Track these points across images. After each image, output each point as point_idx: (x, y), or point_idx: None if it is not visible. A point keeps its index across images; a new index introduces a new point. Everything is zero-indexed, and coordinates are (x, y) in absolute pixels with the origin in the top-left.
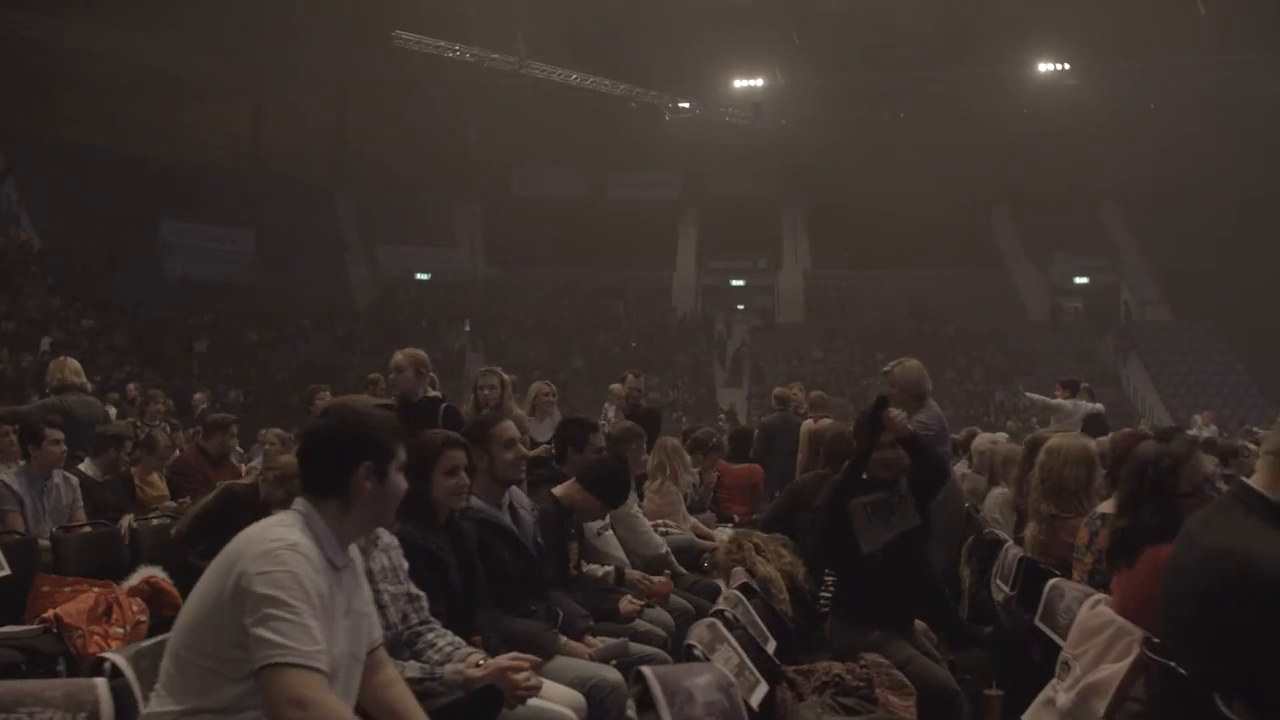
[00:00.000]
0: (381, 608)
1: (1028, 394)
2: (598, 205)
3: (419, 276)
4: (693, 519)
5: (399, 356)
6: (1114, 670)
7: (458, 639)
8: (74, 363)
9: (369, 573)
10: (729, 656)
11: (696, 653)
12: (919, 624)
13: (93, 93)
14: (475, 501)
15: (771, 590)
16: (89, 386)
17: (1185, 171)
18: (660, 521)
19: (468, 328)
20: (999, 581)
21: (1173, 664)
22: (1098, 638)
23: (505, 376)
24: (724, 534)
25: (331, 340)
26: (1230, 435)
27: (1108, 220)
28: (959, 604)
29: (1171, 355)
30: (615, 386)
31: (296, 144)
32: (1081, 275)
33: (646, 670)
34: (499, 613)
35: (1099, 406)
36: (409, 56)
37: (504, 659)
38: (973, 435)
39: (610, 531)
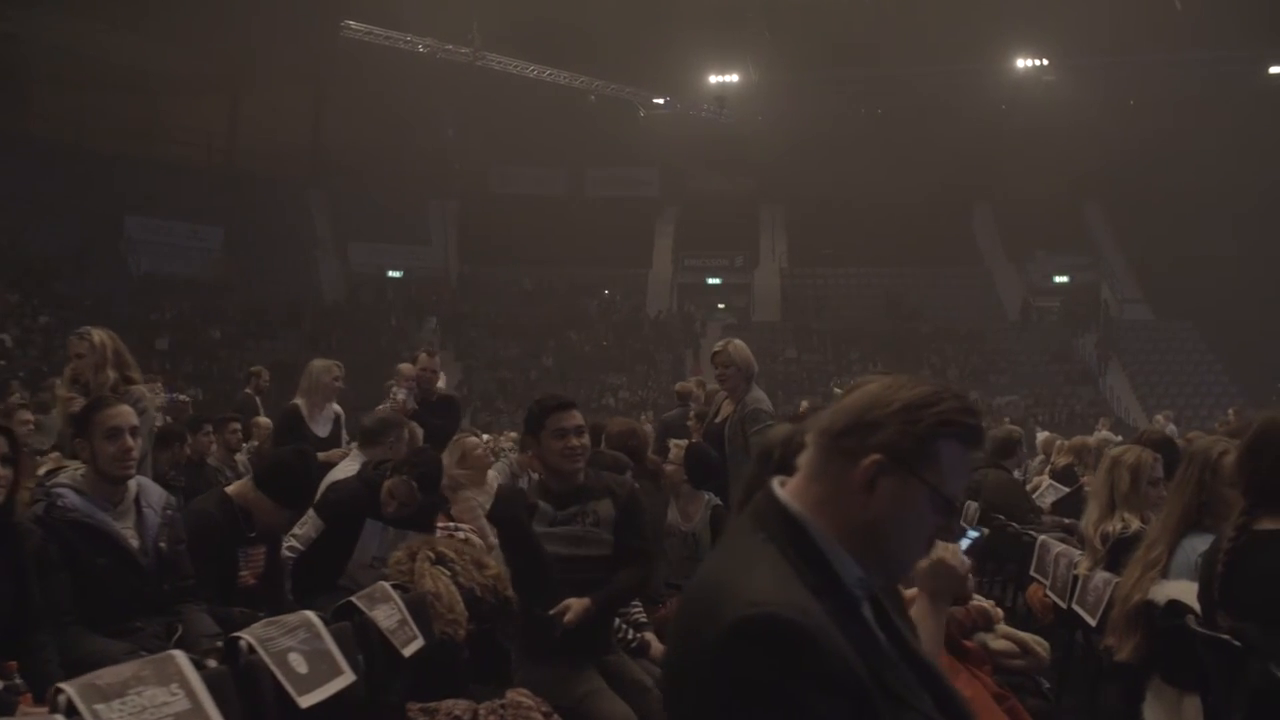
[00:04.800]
0: None
1: (836, 390)
2: (575, 203)
3: (391, 274)
4: None
5: None
6: None
7: None
8: None
9: None
10: (167, 701)
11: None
12: (656, 646)
13: (62, 87)
14: (70, 499)
15: (437, 608)
16: None
17: (1165, 169)
18: (451, 524)
19: (434, 324)
20: None
21: None
22: None
23: (103, 338)
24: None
25: (298, 337)
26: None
27: (1088, 218)
28: None
29: (1150, 354)
30: (404, 366)
31: (271, 141)
32: (1062, 274)
33: None
34: (83, 630)
35: None
36: (386, 53)
37: None
38: None
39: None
